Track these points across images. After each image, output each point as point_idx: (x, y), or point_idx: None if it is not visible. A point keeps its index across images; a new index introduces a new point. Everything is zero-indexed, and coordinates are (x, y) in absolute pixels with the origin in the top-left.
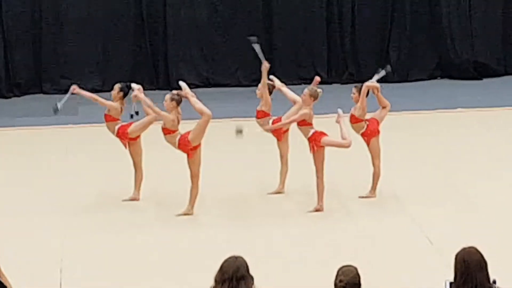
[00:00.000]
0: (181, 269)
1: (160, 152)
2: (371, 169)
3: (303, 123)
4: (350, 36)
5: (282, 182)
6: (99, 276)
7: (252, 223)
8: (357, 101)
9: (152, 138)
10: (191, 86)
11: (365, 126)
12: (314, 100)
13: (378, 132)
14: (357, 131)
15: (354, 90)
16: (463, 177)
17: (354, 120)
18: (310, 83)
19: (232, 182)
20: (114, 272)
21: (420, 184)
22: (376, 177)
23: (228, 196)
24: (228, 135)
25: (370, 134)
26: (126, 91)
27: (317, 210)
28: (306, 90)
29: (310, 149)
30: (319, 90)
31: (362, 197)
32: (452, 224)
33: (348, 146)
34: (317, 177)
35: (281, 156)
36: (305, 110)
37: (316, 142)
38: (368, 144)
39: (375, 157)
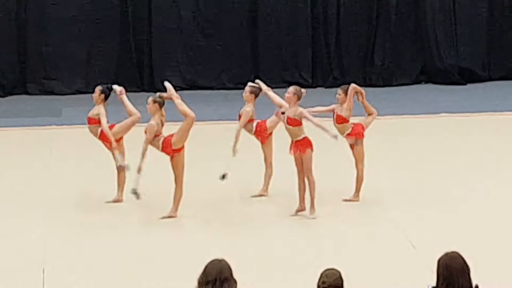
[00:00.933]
0: (164, 271)
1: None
2: (355, 172)
3: (296, 123)
4: (335, 40)
5: (266, 185)
6: (82, 277)
7: (236, 226)
8: (342, 102)
9: (136, 140)
10: (175, 88)
11: (350, 128)
12: (297, 100)
13: (363, 136)
14: (342, 132)
15: (339, 91)
16: (446, 182)
17: (340, 120)
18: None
19: (216, 185)
20: (96, 274)
21: (403, 189)
22: (359, 181)
23: (212, 199)
24: (212, 138)
25: (354, 136)
26: (107, 93)
27: (299, 211)
28: (291, 89)
29: (291, 151)
30: (303, 90)
31: (346, 200)
32: (435, 228)
33: (311, 183)
34: (298, 178)
35: (265, 160)
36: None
37: (301, 148)
38: (352, 148)
39: (358, 161)
